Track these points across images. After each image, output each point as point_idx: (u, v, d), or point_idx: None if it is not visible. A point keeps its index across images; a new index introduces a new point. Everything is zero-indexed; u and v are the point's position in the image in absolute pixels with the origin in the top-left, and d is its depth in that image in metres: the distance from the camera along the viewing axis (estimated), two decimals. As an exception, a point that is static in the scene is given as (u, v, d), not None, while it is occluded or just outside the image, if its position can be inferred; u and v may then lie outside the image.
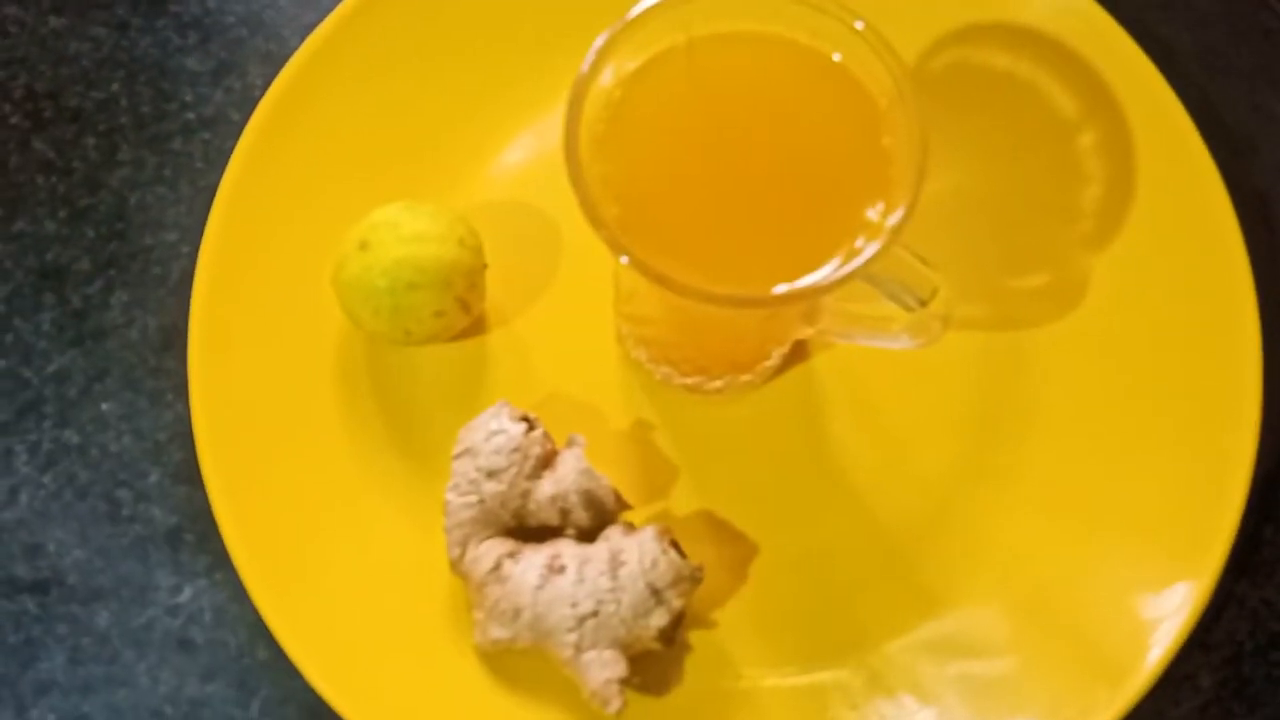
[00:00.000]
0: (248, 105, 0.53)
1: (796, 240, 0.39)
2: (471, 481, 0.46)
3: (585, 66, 0.39)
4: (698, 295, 0.37)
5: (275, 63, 0.54)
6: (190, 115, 0.55)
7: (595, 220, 0.38)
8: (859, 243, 0.38)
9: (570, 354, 0.51)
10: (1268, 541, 0.50)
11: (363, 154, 0.52)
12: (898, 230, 0.38)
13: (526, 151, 0.53)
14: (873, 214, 0.39)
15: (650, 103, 0.40)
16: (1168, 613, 0.46)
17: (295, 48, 0.53)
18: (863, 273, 0.39)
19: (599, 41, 0.39)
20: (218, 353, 0.49)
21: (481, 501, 0.46)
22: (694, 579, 0.46)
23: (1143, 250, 0.51)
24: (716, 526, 0.49)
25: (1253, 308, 0.49)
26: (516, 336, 0.51)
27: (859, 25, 0.39)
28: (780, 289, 0.37)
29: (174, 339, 0.52)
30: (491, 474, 0.46)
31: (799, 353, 0.51)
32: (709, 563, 0.47)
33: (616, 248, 0.38)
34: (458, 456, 0.47)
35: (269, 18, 0.57)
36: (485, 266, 0.50)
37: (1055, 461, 0.49)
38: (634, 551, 0.46)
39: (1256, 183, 0.54)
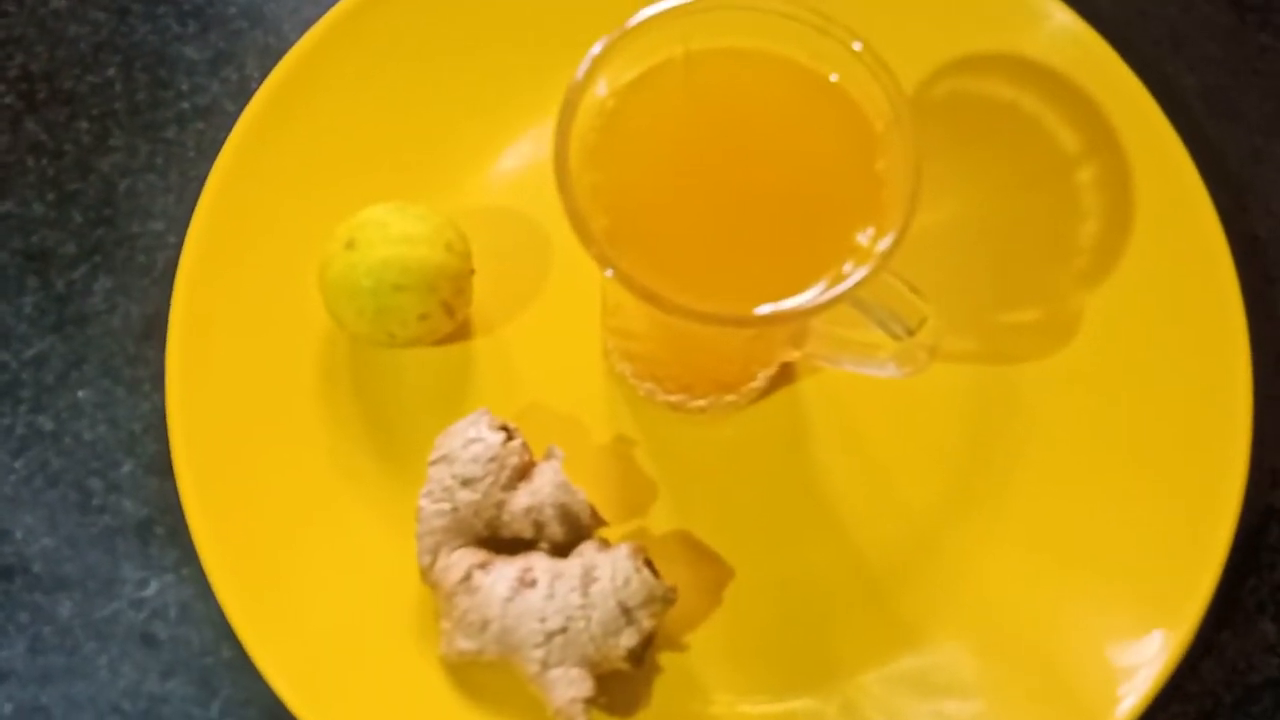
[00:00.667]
0: (243, 97, 0.53)
1: (784, 261, 0.39)
2: (446, 489, 0.46)
3: (579, 74, 0.39)
4: (681, 312, 0.37)
5: (273, 56, 0.53)
6: (185, 104, 0.55)
7: (582, 230, 0.37)
8: (847, 267, 0.38)
9: (554, 365, 0.51)
10: (1250, 592, 0.50)
11: (355, 152, 0.52)
12: (887, 256, 0.37)
13: (521, 159, 0.53)
14: (863, 238, 0.38)
15: (644, 115, 0.40)
16: (1144, 660, 0.45)
17: (294, 42, 0.52)
18: (850, 297, 0.38)
19: (595, 50, 0.39)
20: (197, 345, 0.49)
21: (455, 510, 0.46)
22: (667, 600, 0.45)
23: (1137, 290, 0.50)
24: (693, 548, 0.49)
25: (1245, 354, 0.49)
26: (501, 344, 0.51)
27: (857, 46, 0.38)
28: (764, 309, 0.37)
29: (155, 329, 0.51)
30: (467, 482, 0.46)
31: (785, 376, 0.50)
32: (683, 584, 0.47)
33: (603, 260, 0.37)
34: (434, 463, 0.46)
35: (270, 11, 0.56)
36: (473, 272, 0.49)
37: (1039, 500, 0.49)
38: (607, 569, 0.45)
39: (1255, 228, 0.54)
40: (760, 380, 0.49)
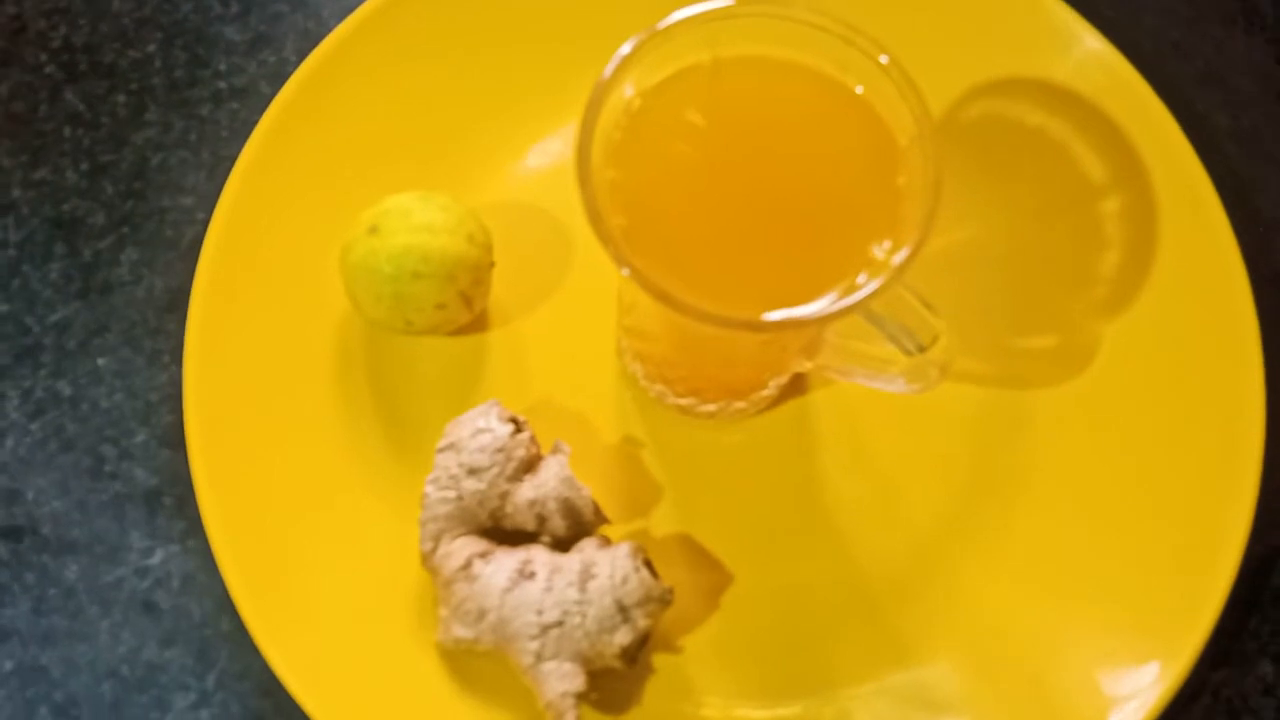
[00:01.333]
0: (279, 80, 0.53)
1: (798, 268, 0.39)
2: (452, 476, 0.46)
3: (607, 72, 0.39)
4: (692, 313, 0.37)
5: (313, 40, 0.54)
6: (222, 84, 0.56)
7: (599, 227, 0.38)
8: (861, 278, 0.38)
9: (567, 361, 0.51)
10: (1251, 633, 0.49)
11: (384, 140, 0.52)
12: (901, 270, 0.37)
13: (548, 156, 0.53)
14: (879, 251, 0.39)
15: (669, 117, 0.40)
16: (1137, 691, 0.45)
17: (333, 28, 0.53)
18: (863, 310, 0.38)
19: (624, 49, 0.39)
20: (217, 321, 0.49)
21: (459, 498, 0.46)
22: (663, 600, 0.45)
23: (1154, 324, 0.50)
24: (694, 551, 0.49)
25: (1260, 395, 0.49)
26: (516, 338, 0.51)
27: (884, 60, 0.39)
28: (774, 315, 0.37)
29: (178, 302, 0.52)
30: (473, 471, 0.46)
31: (797, 386, 0.50)
32: (682, 587, 0.47)
33: (618, 257, 0.38)
34: (442, 450, 0.47)
35: (311, -4, 0.57)
36: (493, 265, 0.49)
37: (1042, 525, 0.48)
38: (606, 566, 0.45)
39: (1274, 269, 0.53)
40: (771, 389, 0.49)
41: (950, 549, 0.49)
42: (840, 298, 0.37)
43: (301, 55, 0.53)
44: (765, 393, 0.49)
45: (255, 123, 0.52)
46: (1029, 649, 0.47)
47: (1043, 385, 0.50)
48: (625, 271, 0.37)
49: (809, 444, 0.50)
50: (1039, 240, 0.52)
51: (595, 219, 0.38)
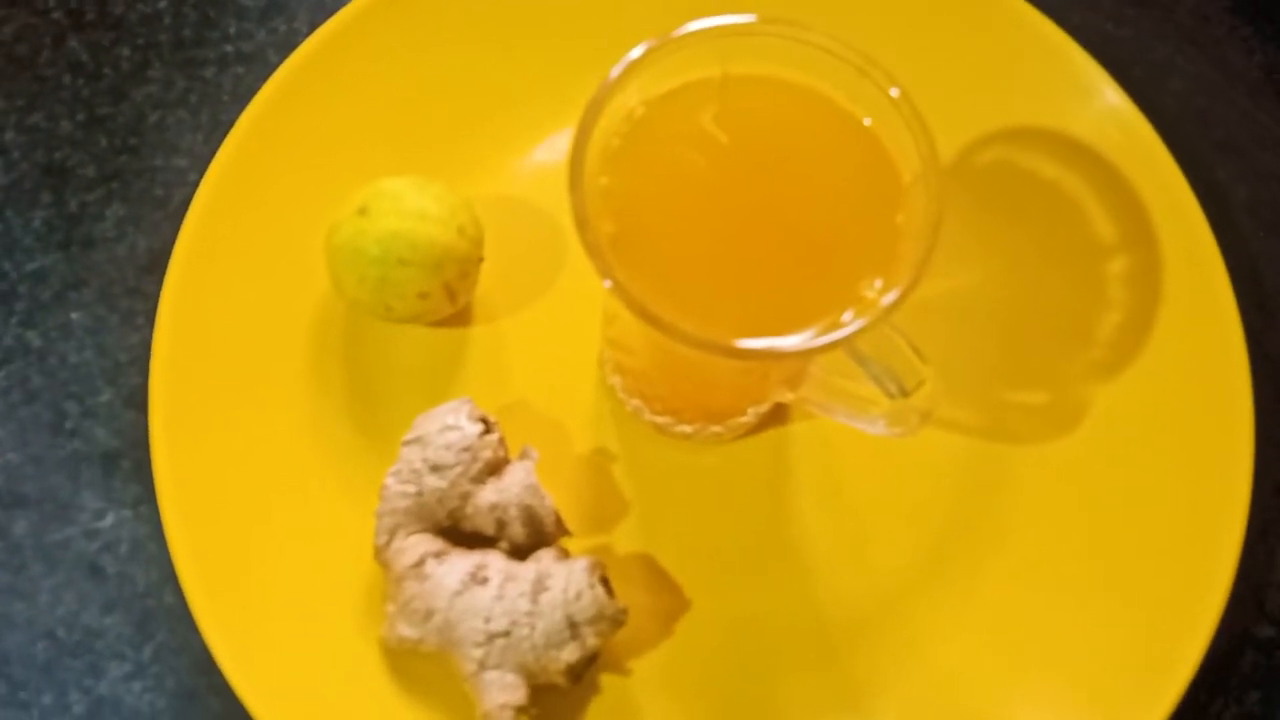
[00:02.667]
0: (288, 50, 0.52)
1: (785, 298, 0.38)
2: (415, 471, 0.45)
3: (613, 74, 0.38)
4: (668, 330, 0.36)
5: (327, 12, 0.53)
6: (229, 48, 0.55)
7: (585, 232, 0.37)
8: (847, 315, 0.37)
9: (548, 366, 0.50)
10: (1213, 717, 0.48)
11: (387, 122, 0.51)
12: (888, 311, 0.36)
13: (550, 155, 0.52)
14: (870, 290, 0.37)
15: (671, 129, 0.39)
16: (1088, 767, 0.44)
17: (349, 3, 0.52)
18: (847, 347, 0.37)
19: (634, 53, 0.38)
20: (195, 286, 0.48)
21: (420, 494, 0.45)
22: (616, 620, 0.44)
23: (1148, 393, 0.49)
24: (653, 573, 0.48)
25: (1247, 476, 0.47)
26: (498, 336, 0.50)
27: (895, 93, 0.38)
28: (746, 343, 0.36)
29: (160, 263, 0.51)
30: (436, 468, 0.45)
31: (777, 416, 0.49)
32: (637, 608, 0.46)
33: (601, 266, 0.37)
34: (407, 443, 0.46)
35: (329, -32, 0.56)
36: (481, 260, 0.48)
37: (1010, 587, 0.47)
38: (561, 579, 0.44)
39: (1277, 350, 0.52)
40: (750, 416, 0.48)
41: (913, 599, 0.47)
42: (822, 333, 0.36)
43: (313, 27, 0.52)
44: (744, 419, 0.48)
45: (258, 90, 0.51)
46: (980, 711, 0.46)
47: (1027, 442, 0.49)
48: (607, 284, 0.36)
49: (783, 476, 0.49)
50: (1039, 294, 0.50)
51: (582, 224, 0.37)
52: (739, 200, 0.39)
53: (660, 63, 0.39)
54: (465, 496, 0.45)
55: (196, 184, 0.50)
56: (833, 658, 0.47)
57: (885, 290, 0.37)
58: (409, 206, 0.47)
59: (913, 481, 0.49)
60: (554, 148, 0.52)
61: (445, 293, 0.47)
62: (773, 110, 0.40)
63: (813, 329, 0.37)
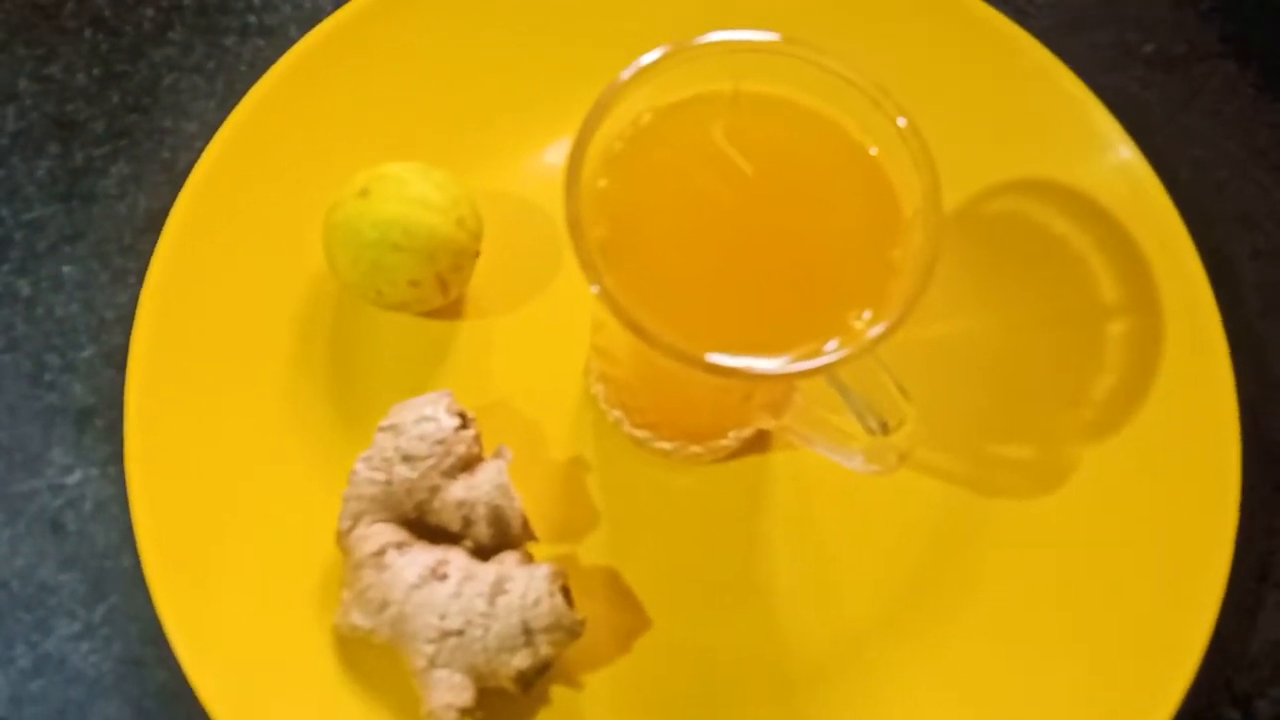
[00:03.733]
0: (310, 26, 0.52)
1: (769, 320, 0.37)
2: (386, 459, 0.44)
3: (623, 76, 0.38)
4: (646, 338, 0.35)
5: (352, -6, 0.53)
6: (252, 19, 0.54)
7: (576, 232, 0.36)
8: (830, 345, 0.36)
9: (532, 368, 0.49)
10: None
11: (399, 107, 0.51)
12: (874, 343, 0.36)
13: (559, 157, 0.51)
14: (858, 321, 0.37)
15: (675, 139, 0.39)
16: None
17: (374, -14, 0.52)
18: (826, 375, 0.37)
19: (647, 58, 0.38)
20: (188, 251, 0.48)
21: (389, 482, 0.44)
22: (572, 631, 0.44)
23: (1135, 460, 0.48)
24: (616, 589, 0.47)
25: (1225, 561, 0.46)
26: (486, 333, 0.50)
27: (903, 123, 0.37)
28: (721, 360, 0.35)
29: (157, 225, 0.50)
30: (408, 458, 0.44)
31: (759, 443, 0.49)
32: (596, 622, 0.45)
33: (589, 266, 0.36)
34: (382, 430, 0.45)
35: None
36: (477, 254, 0.48)
37: (978, 641, 0.46)
38: (521, 584, 0.43)
39: (1276, 435, 0.51)
40: (731, 440, 0.47)
41: (879, 645, 0.46)
42: (802, 359, 0.36)
43: (337, 5, 0.52)
44: (724, 442, 0.47)
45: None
46: (935, 764, 0.45)
47: (1007, 496, 0.48)
48: (594, 288, 0.36)
49: (758, 506, 0.48)
50: (1033, 348, 0.50)
51: (574, 224, 0.36)
52: (735, 217, 0.38)
53: (672, 71, 0.38)
54: (434, 490, 0.45)
55: (203, 150, 0.50)
56: (789, 698, 0.46)
57: (873, 323, 0.37)
58: (411, 192, 0.46)
59: (887, 525, 0.48)
60: (564, 151, 0.51)
61: (437, 282, 0.47)
62: (780, 130, 0.39)
63: (794, 354, 0.36)
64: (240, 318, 0.48)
